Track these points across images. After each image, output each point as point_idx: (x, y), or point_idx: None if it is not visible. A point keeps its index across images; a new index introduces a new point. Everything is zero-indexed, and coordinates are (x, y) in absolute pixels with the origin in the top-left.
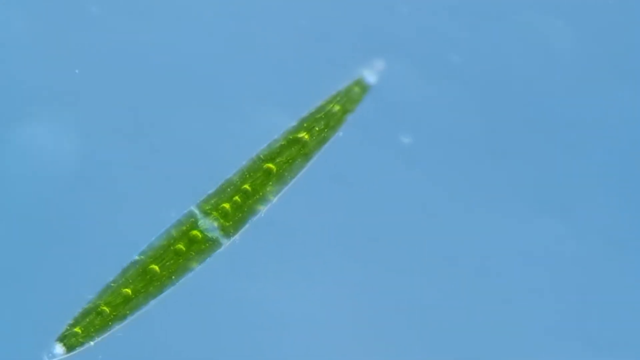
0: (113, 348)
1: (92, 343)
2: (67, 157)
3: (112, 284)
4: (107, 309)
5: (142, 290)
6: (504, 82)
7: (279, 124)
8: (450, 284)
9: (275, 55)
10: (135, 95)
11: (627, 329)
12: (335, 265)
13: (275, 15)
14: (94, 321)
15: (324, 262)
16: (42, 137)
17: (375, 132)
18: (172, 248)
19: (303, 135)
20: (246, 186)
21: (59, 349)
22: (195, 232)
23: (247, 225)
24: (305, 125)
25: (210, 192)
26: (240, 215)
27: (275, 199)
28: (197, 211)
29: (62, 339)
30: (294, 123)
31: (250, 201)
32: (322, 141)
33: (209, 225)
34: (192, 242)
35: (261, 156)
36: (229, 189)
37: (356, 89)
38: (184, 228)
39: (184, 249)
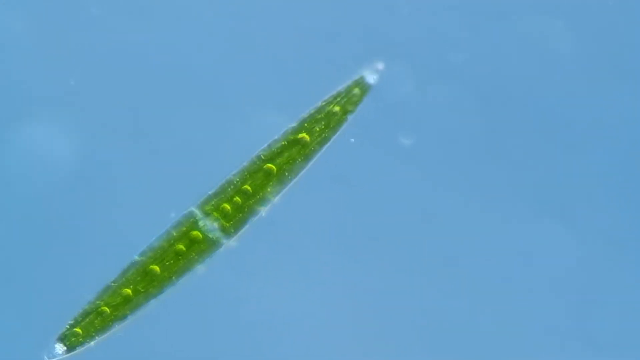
0: (113, 348)
1: (92, 343)
2: (68, 157)
3: (113, 284)
4: (107, 309)
5: (143, 291)
6: (504, 83)
7: (279, 125)
8: (450, 284)
9: (275, 56)
10: (135, 96)
11: (627, 329)
12: (335, 265)
13: (276, 16)
14: (94, 321)
15: (324, 262)
16: (42, 136)
17: (376, 133)
18: (172, 248)
19: (303, 135)
20: (246, 186)
21: (59, 348)
22: (195, 232)
23: (247, 226)
24: (305, 125)
25: (210, 192)
26: (240, 215)
27: (275, 199)
28: (197, 211)
29: (62, 338)
30: (294, 124)
31: (250, 201)
32: (322, 142)
33: (210, 225)
34: (192, 242)
35: (262, 156)
36: (229, 190)
37: (356, 90)
38: (185, 228)
39: (184, 249)
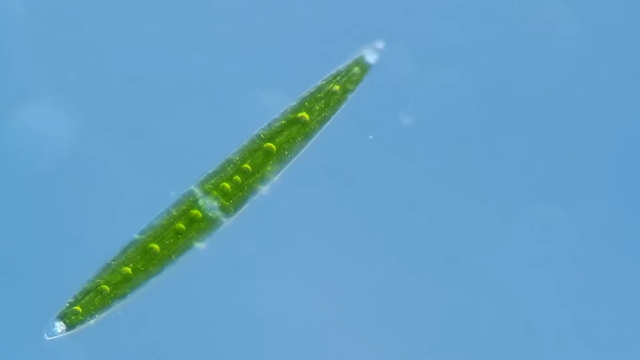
0: (113, 326)
1: (92, 321)
2: (67, 136)
3: (112, 263)
4: (107, 288)
5: (142, 269)
6: (505, 62)
7: (279, 104)
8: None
9: (275, 35)
10: (134, 73)
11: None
12: (334, 245)
13: None
14: (94, 299)
15: (323, 242)
16: (42, 118)
17: (375, 112)
18: (172, 227)
19: (303, 114)
20: (246, 165)
21: (59, 326)
22: (195, 211)
23: (247, 204)
24: (305, 104)
25: (210, 171)
26: (240, 194)
27: (275, 178)
28: (197, 190)
29: (62, 316)
30: (294, 102)
31: (250, 180)
32: (322, 121)
33: (209, 204)
34: (192, 221)
35: (261, 135)
36: (229, 168)
37: (356, 69)
38: (184, 207)
39: (184, 228)
